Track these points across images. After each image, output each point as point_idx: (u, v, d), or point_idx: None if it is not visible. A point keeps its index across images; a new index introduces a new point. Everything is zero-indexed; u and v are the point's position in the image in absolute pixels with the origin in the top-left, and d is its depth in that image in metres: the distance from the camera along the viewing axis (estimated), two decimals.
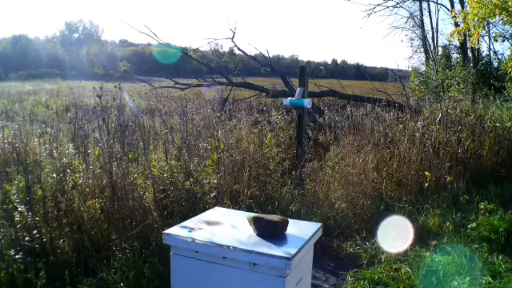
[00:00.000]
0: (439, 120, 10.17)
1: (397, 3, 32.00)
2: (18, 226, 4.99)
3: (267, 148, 8.12)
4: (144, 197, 5.93)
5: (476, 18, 17.92)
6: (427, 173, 8.26)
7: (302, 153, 8.40)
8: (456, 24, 22.79)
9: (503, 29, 23.50)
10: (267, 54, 16.76)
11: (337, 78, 19.90)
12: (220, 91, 16.86)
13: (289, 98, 8.82)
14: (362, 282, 5.35)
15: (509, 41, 23.44)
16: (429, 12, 33.22)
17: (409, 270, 5.47)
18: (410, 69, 32.24)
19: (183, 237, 3.04)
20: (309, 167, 7.98)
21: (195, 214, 3.67)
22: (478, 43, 24.59)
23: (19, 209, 5.08)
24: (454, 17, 22.40)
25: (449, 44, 30.17)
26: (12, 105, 19.07)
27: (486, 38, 27.15)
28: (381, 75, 41.96)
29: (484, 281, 5.25)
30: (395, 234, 6.44)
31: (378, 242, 6.36)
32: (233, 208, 5.77)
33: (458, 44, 27.97)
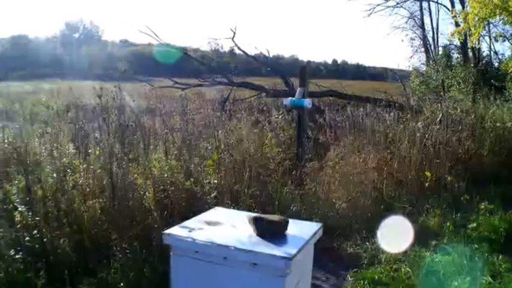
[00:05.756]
0: (440, 120, 10.17)
1: (398, 3, 32.16)
2: (18, 226, 4.99)
3: (267, 148, 8.11)
4: (145, 197, 5.94)
5: (476, 18, 17.94)
6: (427, 173, 8.26)
7: (302, 153, 8.40)
8: (457, 24, 22.84)
9: (503, 29, 23.57)
10: (267, 54, 16.75)
11: (338, 78, 19.91)
12: (220, 91, 16.84)
13: (290, 98, 8.82)
14: (362, 282, 5.35)
15: (510, 41, 23.48)
16: (429, 12, 33.33)
17: (409, 270, 5.48)
18: (410, 69, 32.35)
19: (183, 238, 3.04)
20: (309, 167, 7.98)
21: (195, 214, 3.66)
22: (479, 43, 24.63)
23: (19, 209, 5.08)
24: (455, 16, 22.44)
25: (449, 44, 30.30)
26: (12, 105, 19.06)
27: (486, 38, 27.25)
28: (381, 75, 41.95)
29: (484, 281, 5.26)
30: (395, 234, 6.44)
31: (378, 242, 6.37)
32: (233, 208, 5.77)
33: (458, 43, 28.09)
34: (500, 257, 5.92)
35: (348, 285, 5.42)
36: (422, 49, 33.62)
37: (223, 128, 8.44)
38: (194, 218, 3.47)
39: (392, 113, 10.87)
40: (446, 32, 40.22)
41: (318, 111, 12.70)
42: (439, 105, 12.40)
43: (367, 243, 6.38)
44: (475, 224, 7.04)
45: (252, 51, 17.07)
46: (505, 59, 24.57)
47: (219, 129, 8.10)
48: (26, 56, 70.68)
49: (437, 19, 41.47)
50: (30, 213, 5.08)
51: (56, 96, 23.57)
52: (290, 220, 3.23)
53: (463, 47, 27.86)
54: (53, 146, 6.17)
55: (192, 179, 6.35)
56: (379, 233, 6.54)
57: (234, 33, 15.04)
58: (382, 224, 6.73)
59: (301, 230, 3.23)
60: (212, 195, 6.33)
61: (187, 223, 3.31)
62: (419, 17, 33.42)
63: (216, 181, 6.60)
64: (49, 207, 5.36)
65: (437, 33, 33.13)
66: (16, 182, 5.53)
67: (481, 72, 24.81)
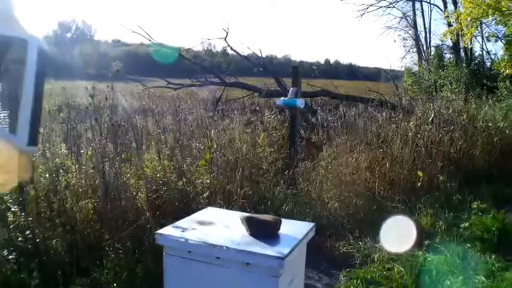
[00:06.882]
0: (432, 120, 10.19)
1: (390, 4, 32.19)
2: (11, 226, 4.98)
3: (260, 148, 8.12)
4: (137, 197, 5.94)
5: (469, 18, 18.03)
6: (419, 173, 8.28)
7: (295, 153, 8.40)
8: (449, 24, 22.93)
9: (496, 29, 23.65)
10: (260, 54, 16.74)
11: (330, 78, 19.83)
12: (213, 91, 16.83)
13: (282, 98, 8.82)
14: (355, 281, 5.35)
15: (502, 40, 23.53)
16: (422, 12, 33.40)
17: (402, 269, 5.48)
18: (403, 69, 32.39)
19: (176, 238, 3.04)
20: (302, 167, 7.99)
21: (188, 214, 3.67)
22: (471, 43, 24.74)
23: (12, 209, 5.06)
24: (447, 17, 22.54)
25: (442, 44, 30.37)
26: None
27: (479, 38, 27.36)
28: (373, 75, 41.97)
29: (477, 280, 5.27)
30: (388, 234, 6.44)
31: (370, 241, 6.38)
32: (226, 208, 5.76)
33: (451, 44, 28.16)
34: (493, 256, 5.93)
35: (341, 284, 5.42)
36: (415, 49, 33.68)
37: (215, 128, 8.44)
38: (187, 218, 3.47)
39: (384, 113, 10.88)
40: (439, 32, 40.43)
41: (311, 111, 12.70)
42: (431, 105, 12.42)
43: (360, 243, 6.38)
44: (467, 224, 7.05)
45: (244, 51, 17.06)
46: (498, 59, 24.63)
47: (212, 129, 8.10)
48: None
49: (430, 19, 41.48)
50: (23, 214, 5.07)
51: (49, 96, 23.49)
52: (283, 220, 3.24)
53: (456, 47, 27.94)
54: (45, 146, 6.16)
55: (184, 179, 6.34)
56: (371, 232, 6.56)
57: (227, 33, 15.02)
58: (375, 223, 6.74)
59: (294, 230, 3.24)
60: (205, 195, 6.33)
61: (179, 223, 3.32)
62: (411, 17, 33.51)
63: (208, 181, 6.60)
64: (42, 207, 5.36)
65: (429, 34, 33.23)
66: None
67: (473, 72, 24.87)
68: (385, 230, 6.49)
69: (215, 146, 7.25)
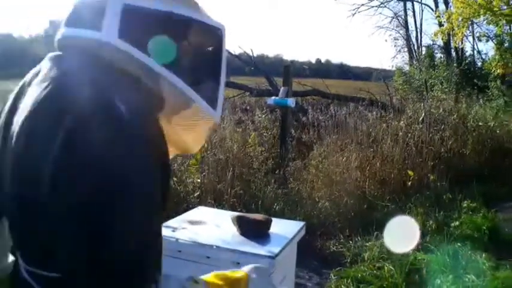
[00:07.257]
0: (422, 119, 10.21)
1: (382, 3, 32.28)
2: None
3: (250, 147, 8.11)
4: None
5: (460, 18, 18.03)
6: (410, 172, 8.28)
7: (286, 152, 8.39)
8: (440, 24, 22.95)
9: (487, 29, 23.70)
10: (251, 53, 16.70)
11: (321, 78, 19.83)
12: None
13: (273, 97, 8.81)
14: (345, 280, 5.35)
15: (493, 40, 23.59)
16: (413, 12, 33.81)
17: (392, 268, 5.48)
18: (394, 68, 32.43)
19: (166, 237, 3.01)
20: (293, 166, 7.99)
21: (178, 213, 3.65)
22: (462, 43, 24.76)
23: None
24: (438, 16, 22.58)
25: (433, 44, 30.44)
26: None
27: (470, 38, 27.42)
28: (364, 74, 42.04)
29: (467, 279, 5.27)
30: (378, 233, 6.45)
31: (361, 240, 6.38)
32: (217, 207, 5.75)
33: (442, 43, 28.20)
34: (483, 255, 5.93)
35: (331, 283, 5.42)
36: (406, 49, 33.79)
37: None
38: (177, 218, 3.45)
39: (375, 112, 10.90)
40: (430, 32, 40.55)
41: (302, 110, 12.71)
42: (422, 104, 12.45)
43: (350, 242, 6.39)
44: (457, 223, 7.06)
45: (235, 50, 16.99)
46: (489, 59, 24.69)
47: None
48: (11, 54, 70.23)
49: (421, 19, 41.58)
50: None
51: None
52: (273, 219, 3.23)
53: (447, 47, 28.04)
54: None
55: (175, 179, 6.33)
56: (362, 231, 6.57)
57: None
58: (365, 222, 6.75)
59: (285, 229, 3.23)
60: (195, 195, 6.32)
61: (170, 222, 3.30)
62: (403, 17, 33.62)
63: (199, 180, 6.59)
64: None
65: (420, 33, 33.35)
66: None
67: (464, 72, 24.94)
68: (375, 229, 6.50)
69: (206, 145, 7.24)
